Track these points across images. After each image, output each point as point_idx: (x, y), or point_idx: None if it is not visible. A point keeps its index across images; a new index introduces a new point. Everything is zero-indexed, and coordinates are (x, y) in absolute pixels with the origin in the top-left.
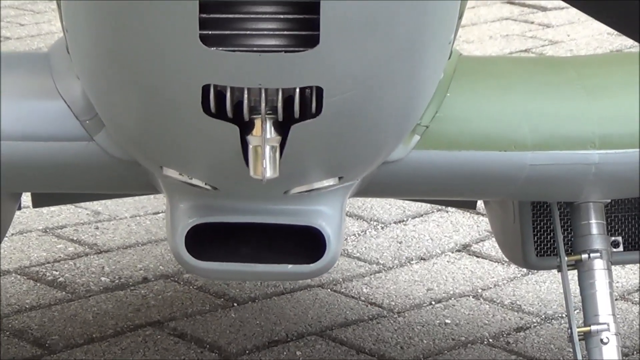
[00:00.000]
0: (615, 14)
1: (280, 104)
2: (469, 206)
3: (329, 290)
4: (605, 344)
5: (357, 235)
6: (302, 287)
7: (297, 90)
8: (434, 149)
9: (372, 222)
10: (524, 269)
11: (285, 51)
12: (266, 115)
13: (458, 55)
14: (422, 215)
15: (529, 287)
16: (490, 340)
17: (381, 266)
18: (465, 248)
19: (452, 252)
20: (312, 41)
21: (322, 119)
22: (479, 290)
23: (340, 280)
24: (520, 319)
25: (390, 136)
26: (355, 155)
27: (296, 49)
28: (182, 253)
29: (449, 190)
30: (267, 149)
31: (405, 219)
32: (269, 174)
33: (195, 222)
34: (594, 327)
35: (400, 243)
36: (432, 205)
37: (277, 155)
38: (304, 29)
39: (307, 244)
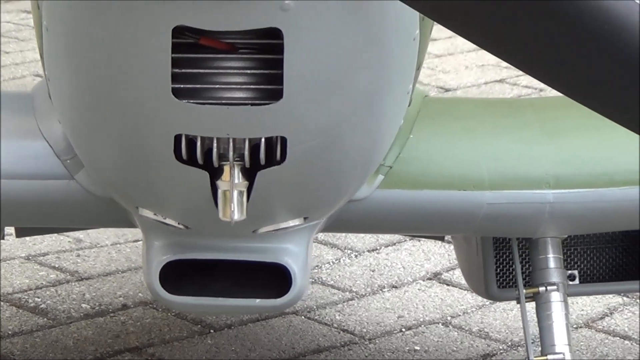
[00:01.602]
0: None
1: (247, 152)
2: (438, 237)
3: (302, 317)
4: None
5: (331, 264)
6: (276, 315)
7: (263, 139)
8: (397, 188)
9: (346, 251)
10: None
11: (252, 104)
12: (234, 162)
13: (423, 96)
14: (394, 244)
15: (497, 315)
16: None
17: (354, 294)
18: (435, 276)
19: (423, 280)
20: (276, 95)
21: (286, 165)
22: (448, 318)
23: (314, 307)
24: (488, 346)
25: (353, 180)
26: (319, 198)
27: (261, 101)
28: (157, 288)
29: (411, 227)
30: (235, 193)
31: (378, 248)
32: (236, 216)
33: (169, 259)
34: (550, 357)
35: (373, 271)
36: (406, 235)
37: (245, 199)
38: (269, 83)
39: (274, 279)
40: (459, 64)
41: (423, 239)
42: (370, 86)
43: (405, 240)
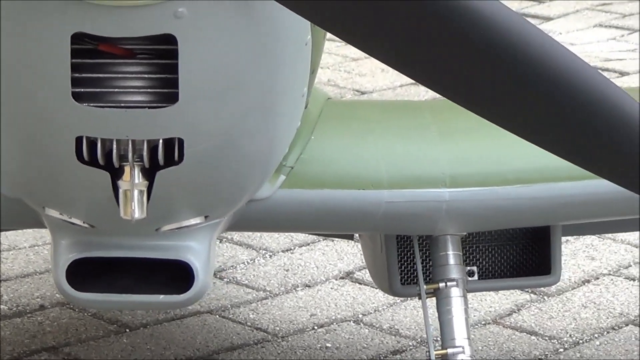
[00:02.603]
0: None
1: (146, 153)
2: (348, 237)
3: (217, 316)
4: None
5: (246, 264)
6: (191, 314)
7: (161, 141)
8: (298, 187)
9: (260, 251)
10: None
11: (149, 107)
12: (134, 163)
13: (325, 99)
14: (308, 244)
15: (407, 312)
16: None
17: (268, 293)
18: (348, 275)
19: (336, 280)
20: (172, 98)
21: (184, 166)
22: (360, 316)
23: (229, 306)
24: (397, 342)
25: (251, 180)
26: (219, 197)
27: (158, 104)
28: (64, 285)
29: (314, 226)
30: (136, 192)
31: (292, 248)
32: (137, 215)
33: (75, 257)
34: (450, 350)
35: (287, 271)
36: (320, 235)
37: (145, 199)
38: (165, 87)
39: (177, 276)
40: (375, 67)
41: (336, 239)
42: (264, 89)
43: (319, 241)
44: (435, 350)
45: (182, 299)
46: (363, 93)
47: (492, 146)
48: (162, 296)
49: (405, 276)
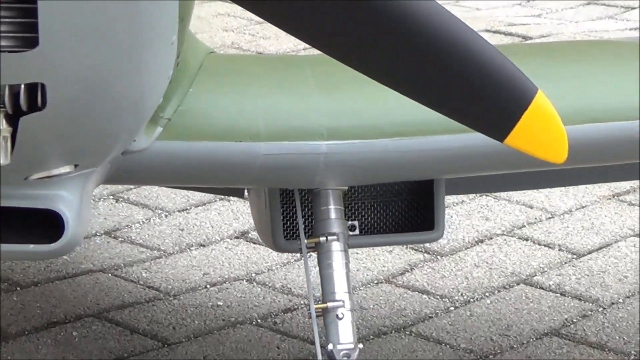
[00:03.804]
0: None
1: (7, 98)
2: (239, 195)
3: (109, 274)
4: (341, 319)
5: (141, 223)
6: (83, 272)
7: (22, 86)
8: (176, 139)
9: (156, 211)
10: (297, 255)
11: (9, 51)
12: None
13: (207, 52)
14: (204, 204)
15: (300, 272)
16: (259, 320)
17: (162, 252)
18: (243, 235)
19: (231, 239)
20: (32, 43)
21: (48, 112)
22: (253, 275)
23: (122, 265)
24: (290, 301)
25: (121, 128)
26: (87, 145)
27: (18, 49)
28: None
29: (192, 178)
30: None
31: (188, 208)
32: (2, 161)
33: None
34: (330, 304)
35: (182, 230)
36: (215, 195)
37: (9, 145)
38: (25, 32)
39: (48, 226)
40: (279, 30)
41: (232, 199)
42: (128, 34)
43: (215, 201)
44: (316, 304)
45: (52, 248)
46: None
47: (371, 99)
48: (32, 245)
49: (289, 231)
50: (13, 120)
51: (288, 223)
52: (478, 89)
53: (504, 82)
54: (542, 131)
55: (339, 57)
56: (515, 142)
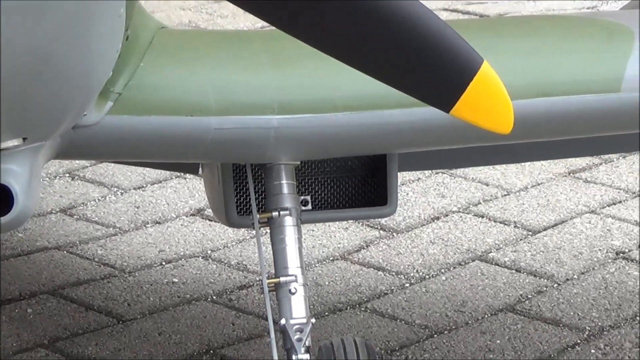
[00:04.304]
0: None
1: None
2: (193, 171)
3: (65, 252)
4: (293, 294)
5: (97, 201)
6: (39, 249)
7: None
8: (126, 114)
9: (112, 188)
10: (253, 232)
11: None
12: None
13: (159, 27)
14: (160, 182)
15: (256, 249)
16: (214, 297)
17: (117, 229)
18: (199, 212)
19: (187, 216)
20: None
21: None
22: (209, 252)
23: (77, 242)
24: (245, 278)
25: (69, 100)
26: (35, 118)
27: None
28: None
29: (144, 153)
30: None
31: (144, 185)
32: None
33: None
34: (282, 279)
35: (137, 208)
36: (172, 172)
37: None
38: None
39: None
40: (236, 8)
41: (189, 177)
42: (75, 6)
43: (171, 178)
44: (269, 280)
45: (4, 221)
46: None
47: (322, 74)
48: None
49: (242, 206)
50: None
51: (241, 198)
52: (423, 60)
53: (449, 53)
54: (488, 102)
55: (287, 29)
56: (461, 113)
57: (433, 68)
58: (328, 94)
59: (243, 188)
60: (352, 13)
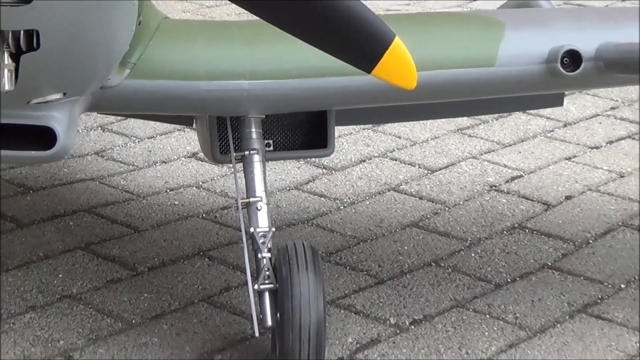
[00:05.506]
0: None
1: (11, 42)
2: (188, 124)
3: (97, 182)
4: (259, 210)
5: (120, 146)
6: (78, 180)
7: (22, 31)
8: (140, 79)
9: (132, 137)
10: (231, 167)
11: (11, 5)
12: (4, 49)
13: (163, 17)
14: (166, 133)
15: (234, 181)
16: (204, 215)
17: (135, 167)
18: (194, 155)
19: (185, 158)
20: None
21: (41, 52)
22: (200, 183)
23: (106, 175)
24: (226, 201)
25: (97, 67)
26: (72, 78)
27: (18, 4)
28: None
29: (152, 108)
30: (5, 71)
31: (154, 135)
32: (7, 87)
33: None
34: (251, 199)
35: (150, 152)
36: (174, 125)
37: (13, 76)
38: None
39: (44, 140)
40: (228, 12)
41: (187, 130)
42: None
43: (174, 131)
44: (242, 200)
45: (47, 154)
46: None
47: (282, 51)
48: (33, 152)
49: (223, 148)
50: (16, 57)
51: (222, 142)
52: (351, 33)
53: (369, 28)
54: (399, 66)
55: (256, 12)
56: (379, 74)
57: (358, 39)
58: (286, 65)
59: (224, 134)
60: (303, 7)
